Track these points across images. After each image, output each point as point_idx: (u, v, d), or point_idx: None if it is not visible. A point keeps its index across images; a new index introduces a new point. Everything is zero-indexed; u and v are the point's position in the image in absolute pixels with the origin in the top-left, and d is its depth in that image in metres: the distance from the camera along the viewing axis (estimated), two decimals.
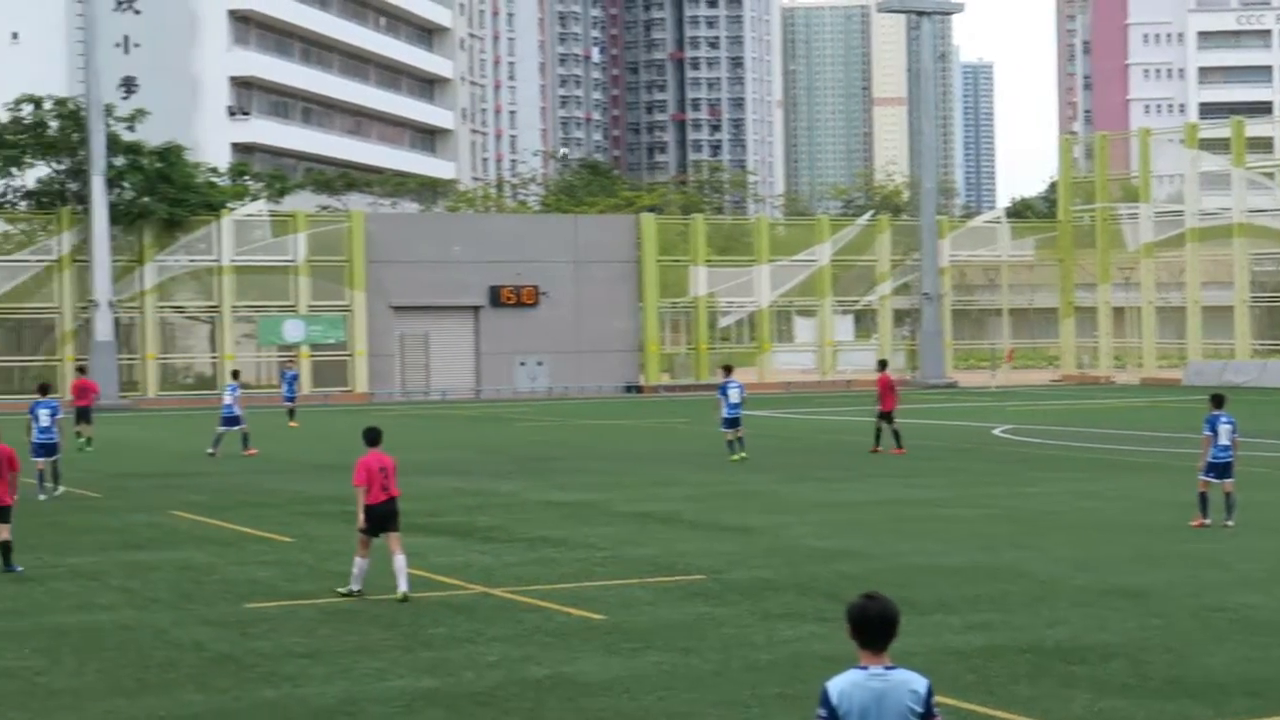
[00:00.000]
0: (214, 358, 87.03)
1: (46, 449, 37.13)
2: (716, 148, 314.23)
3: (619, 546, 27.87)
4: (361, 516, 22.86)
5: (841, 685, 9.05)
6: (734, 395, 45.68)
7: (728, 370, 47.97)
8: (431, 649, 19.35)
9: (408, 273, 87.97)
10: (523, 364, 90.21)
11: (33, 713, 16.44)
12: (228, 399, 50.36)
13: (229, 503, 35.39)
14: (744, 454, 44.68)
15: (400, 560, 22.69)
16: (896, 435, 47.33)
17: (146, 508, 34.55)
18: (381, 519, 22.80)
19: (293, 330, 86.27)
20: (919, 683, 9.11)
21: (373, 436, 23.42)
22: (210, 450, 48.88)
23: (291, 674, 18.05)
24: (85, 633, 20.54)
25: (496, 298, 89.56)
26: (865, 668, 9.08)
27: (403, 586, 22.60)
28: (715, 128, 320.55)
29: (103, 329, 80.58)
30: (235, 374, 56.00)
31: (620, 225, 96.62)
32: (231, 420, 49.73)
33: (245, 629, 20.66)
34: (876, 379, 49.50)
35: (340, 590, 23.00)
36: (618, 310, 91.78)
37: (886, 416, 47.50)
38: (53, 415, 37.46)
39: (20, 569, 25.69)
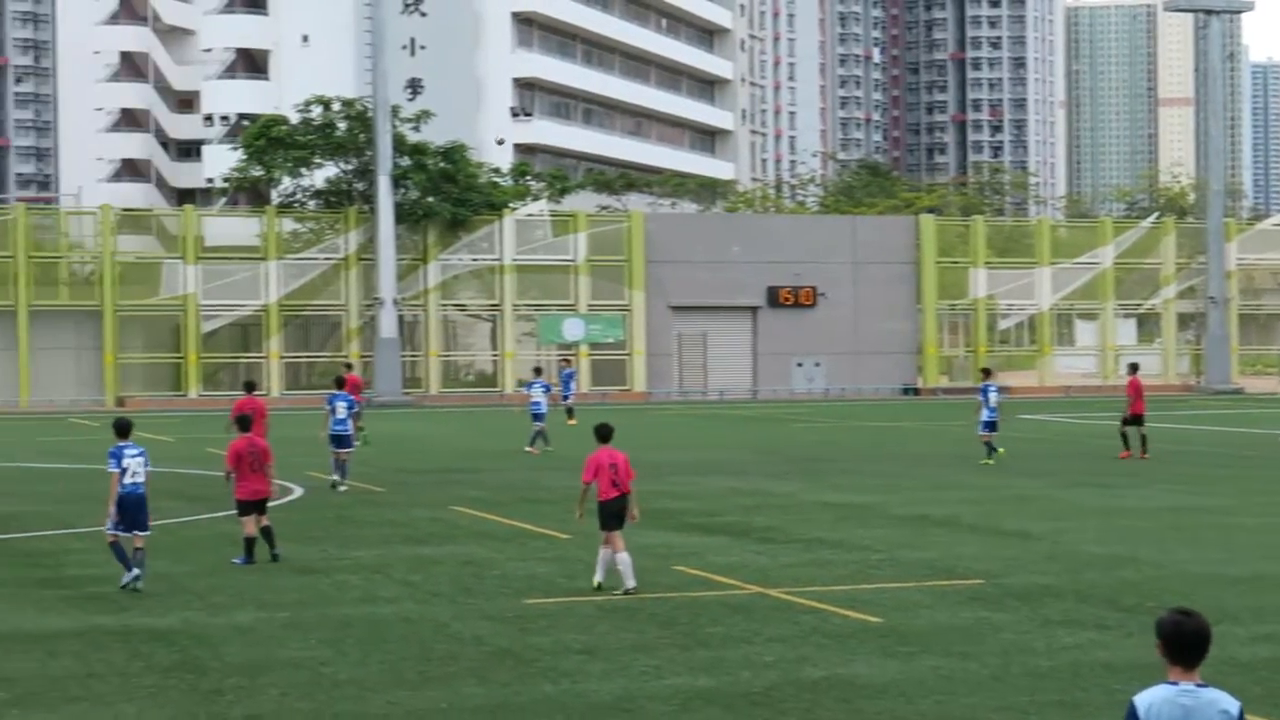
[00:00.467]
0: (495, 355, 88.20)
1: (341, 440, 38.24)
2: (997, 149, 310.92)
3: (895, 549, 27.71)
4: (580, 510, 23.47)
5: (1150, 700, 8.80)
6: (994, 399, 45.41)
7: (987, 373, 47.84)
8: (708, 648, 19.39)
9: (686, 273, 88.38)
10: (800, 365, 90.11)
11: (318, 703, 16.77)
12: (538, 396, 50.86)
13: (508, 499, 35.79)
14: (992, 460, 44.37)
15: (624, 557, 23.01)
16: (1125, 438, 46.51)
17: (428, 503, 35.08)
18: (611, 515, 23.06)
19: (572, 329, 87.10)
20: (1230, 704, 8.82)
21: (604, 433, 23.49)
22: (545, 447, 49.47)
23: (570, 670, 18.20)
24: (369, 625, 20.90)
25: (774, 298, 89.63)
26: (1175, 684, 8.83)
27: (630, 582, 22.95)
28: (996, 128, 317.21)
29: (387, 326, 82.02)
30: (538, 371, 57.15)
31: (899, 226, 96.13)
32: (539, 416, 50.21)
33: (525, 624, 20.88)
34: (1127, 382, 48.43)
35: (617, 592, 23.16)
36: (896, 311, 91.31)
37: (1136, 420, 46.67)
38: (349, 408, 38.64)
39: (279, 554, 26.30)
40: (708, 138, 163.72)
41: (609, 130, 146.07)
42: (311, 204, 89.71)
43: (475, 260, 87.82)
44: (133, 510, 23.60)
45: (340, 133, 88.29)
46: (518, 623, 20.99)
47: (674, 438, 57.74)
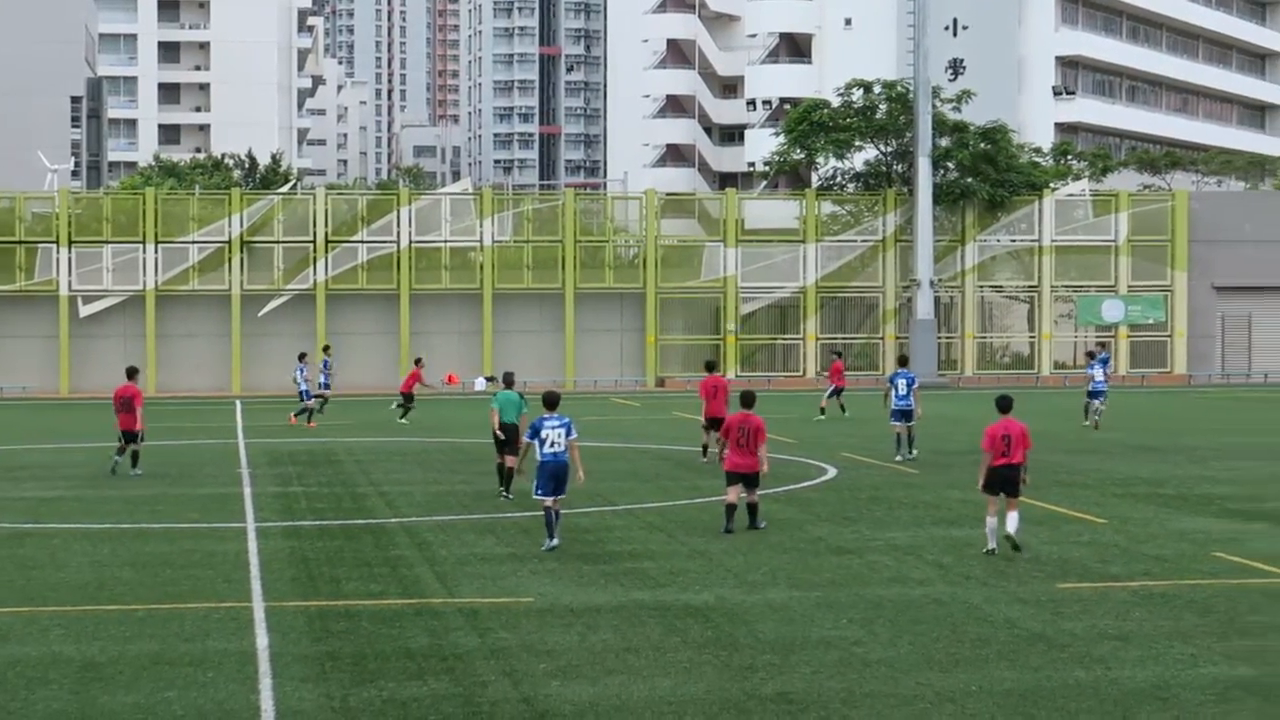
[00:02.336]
0: (1031, 337, 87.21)
1: (903, 414, 40.28)
2: None
3: None
4: (981, 476, 25.12)
5: None
6: None
7: None
8: (1248, 637, 18.90)
9: (1231, 252, 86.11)
10: None
11: (849, 682, 16.89)
12: (1100, 375, 52.84)
13: (1041, 482, 35.22)
14: None
15: (1013, 515, 24.74)
16: None
17: (961, 484, 34.87)
18: (1000, 481, 24.83)
19: (1111, 310, 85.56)
20: None
21: (1004, 404, 25.45)
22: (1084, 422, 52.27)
23: (1103, 656, 17.95)
24: (900, 606, 20.94)
25: None
26: None
27: (1010, 527, 24.70)
28: None
29: (923, 307, 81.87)
30: (1098, 350, 58.50)
31: None
32: (1095, 393, 52.62)
33: (1058, 609, 20.66)
34: None
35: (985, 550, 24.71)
36: None
37: None
38: (909, 384, 40.51)
39: (763, 525, 27.55)
40: (1257, 113, 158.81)
41: (1153, 107, 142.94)
42: (850, 186, 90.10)
43: (1014, 241, 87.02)
44: (550, 476, 25.60)
45: (881, 115, 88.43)
46: (1050, 607, 20.79)
47: (1215, 421, 56.28)
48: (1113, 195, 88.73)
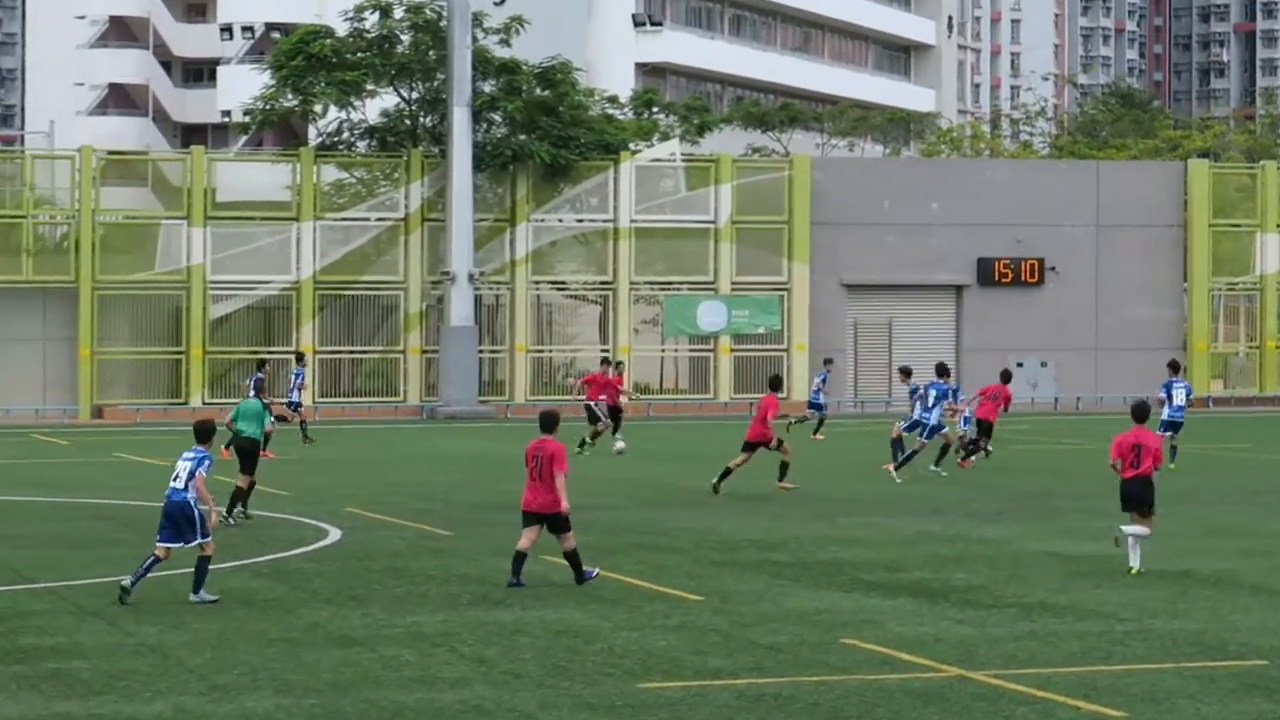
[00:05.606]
0: (605, 350, 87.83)
1: (927, 428, 49.85)
2: None
3: (1147, 617, 27.56)
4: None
5: None
6: (1179, 397, 52.83)
7: (1175, 368, 55.63)
8: None
9: (867, 238, 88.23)
10: (1020, 364, 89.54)
11: None
12: (818, 384, 64.25)
13: (620, 545, 35.71)
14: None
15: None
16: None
17: (509, 551, 35.07)
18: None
19: (710, 316, 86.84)
20: None
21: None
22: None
23: None
24: (427, 715, 20.97)
25: (987, 274, 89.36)
26: None
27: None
28: None
29: (459, 311, 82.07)
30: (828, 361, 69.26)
31: (1160, 176, 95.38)
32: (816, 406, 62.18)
33: (638, 715, 20.88)
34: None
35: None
36: (1154, 293, 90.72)
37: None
38: (940, 395, 49.79)
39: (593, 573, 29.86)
40: (900, 55, 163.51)
41: (765, 45, 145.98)
42: (362, 145, 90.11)
43: (581, 221, 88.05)
44: (166, 517, 28.10)
45: (403, 49, 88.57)
46: (629, 714, 21.01)
47: (847, 464, 57.56)
48: (712, 161, 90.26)
